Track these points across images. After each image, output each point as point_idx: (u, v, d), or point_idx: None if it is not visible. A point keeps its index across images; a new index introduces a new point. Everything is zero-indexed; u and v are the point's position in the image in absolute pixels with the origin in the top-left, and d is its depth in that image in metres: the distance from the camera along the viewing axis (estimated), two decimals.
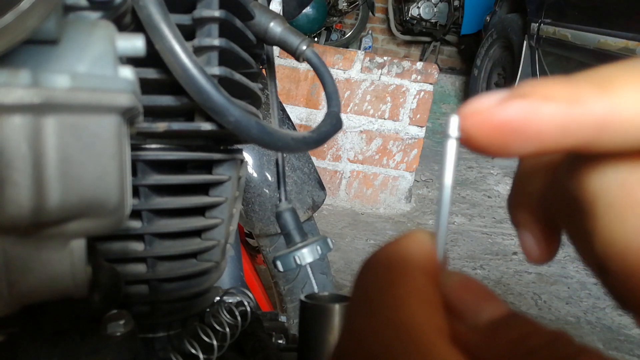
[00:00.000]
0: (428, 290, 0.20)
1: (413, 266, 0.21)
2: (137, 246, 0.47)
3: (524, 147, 0.19)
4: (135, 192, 0.45)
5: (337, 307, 0.47)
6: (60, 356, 0.40)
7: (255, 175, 1.04)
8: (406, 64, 2.97)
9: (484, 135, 0.19)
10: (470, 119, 0.19)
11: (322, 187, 1.18)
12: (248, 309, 0.56)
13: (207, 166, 0.49)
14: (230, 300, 0.56)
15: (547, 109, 0.18)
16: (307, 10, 4.78)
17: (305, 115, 3.03)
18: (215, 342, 0.49)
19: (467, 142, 0.20)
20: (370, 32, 5.99)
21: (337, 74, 2.96)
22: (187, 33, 0.41)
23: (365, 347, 0.19)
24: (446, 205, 0.22)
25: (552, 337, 0.18)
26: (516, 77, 3.73)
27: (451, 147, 0.21)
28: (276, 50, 2.41)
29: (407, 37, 5.86)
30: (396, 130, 3.04)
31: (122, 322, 0.41)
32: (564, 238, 0.24)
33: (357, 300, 0.21)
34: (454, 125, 0.21)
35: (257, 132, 0.40)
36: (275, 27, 0.49)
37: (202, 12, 0.41)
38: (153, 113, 0.44)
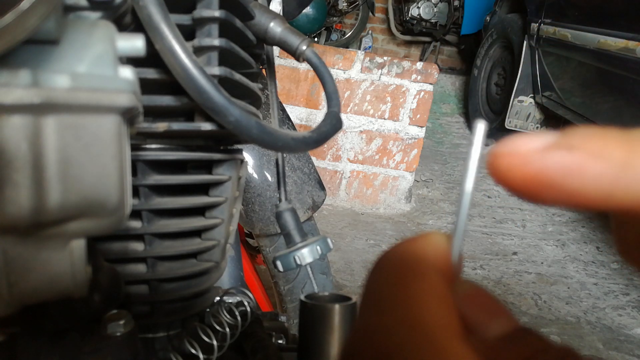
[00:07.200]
0: (442, 290, 0.20)
1: (428, 265, 0.20)
2: (137, 246, 0.47)
3: (559, 201, 0.17)
4: (135, 192, 0.45)
5: (337, 307, 0.47)
6: (60, 356, 0.40)
7: (255, 175, 1.04)
8: (406, 64, 2.97)
9: (517, 180, 0.18)
10: (507, 159, 0.18)
11: (322, 187, 1.18)
12: (248, 309, 0.56)
13: (207, 166, 0.49)
14: (230, 300, 0.56)
15: (594, 168, 0.16)
16: (307, 10, 4.78)
17: (305, 115, 3.03)
18: (215, 342, 0.49)
19: (499, 181, 0.18)
20: (370, 32, 5.99)
21: (337, 74, 2.96)
22: (187, 33, 0.41)
23: (378, 345, 0.18)
24: (465, 211, 0.22)
25: (561, 354, 0.18)
26: (516, 77, 3.72)
27: (475, 153, 0.21)
28: (276, 50, 2.41)
29: (407, 37, 5.86)
30: (396, 130, 3.04)
31: (122, 322, 0.41)
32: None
33: (369, 297, 0.20)
34: (480, 132, 0.20)
35: (257, 132, 0.40)
36: (275, 27, 0.48)
37: (202, 12, 0.41)
38: (153, 113, 0.44)
